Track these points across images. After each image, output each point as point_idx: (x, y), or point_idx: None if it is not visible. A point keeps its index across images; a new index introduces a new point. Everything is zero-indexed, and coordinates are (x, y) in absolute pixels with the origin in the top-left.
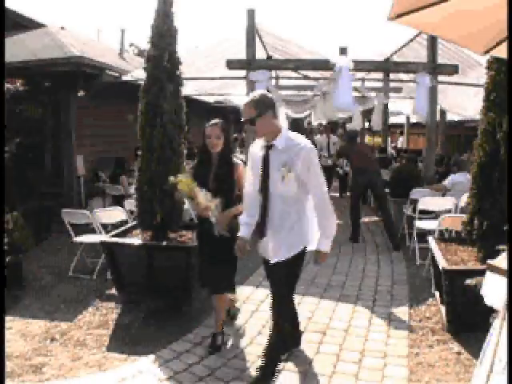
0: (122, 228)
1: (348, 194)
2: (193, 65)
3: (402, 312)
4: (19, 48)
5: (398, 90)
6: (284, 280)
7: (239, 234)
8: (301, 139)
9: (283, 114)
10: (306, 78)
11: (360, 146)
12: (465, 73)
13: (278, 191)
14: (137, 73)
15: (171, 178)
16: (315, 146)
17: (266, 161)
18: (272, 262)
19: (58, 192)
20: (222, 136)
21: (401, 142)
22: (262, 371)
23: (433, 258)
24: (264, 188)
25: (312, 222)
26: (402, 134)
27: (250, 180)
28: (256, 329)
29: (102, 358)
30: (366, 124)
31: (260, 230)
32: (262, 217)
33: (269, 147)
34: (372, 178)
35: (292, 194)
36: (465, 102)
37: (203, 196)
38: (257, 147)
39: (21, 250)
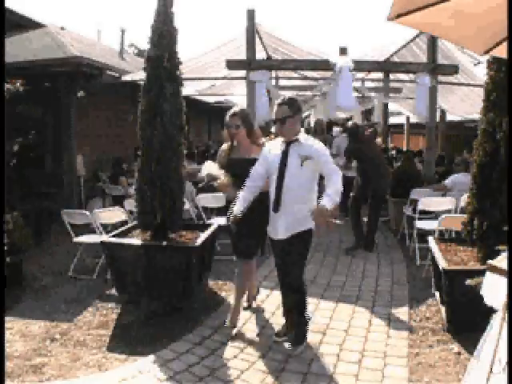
0: (122, 228)
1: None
2: (193, 65)
3: (401, 312)
4: (19, 48)
5: (397, 90)
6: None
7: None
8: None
9: None
10: (305, 78)
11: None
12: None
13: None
14: (139, 75)
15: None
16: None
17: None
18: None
19: (58, 192)
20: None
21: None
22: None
23: (433, 258)
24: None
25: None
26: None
27: None
28: (256, 329)
29: (101, 358)
30: None
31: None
32: None
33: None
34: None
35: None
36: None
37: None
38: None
39: (21, 250)
